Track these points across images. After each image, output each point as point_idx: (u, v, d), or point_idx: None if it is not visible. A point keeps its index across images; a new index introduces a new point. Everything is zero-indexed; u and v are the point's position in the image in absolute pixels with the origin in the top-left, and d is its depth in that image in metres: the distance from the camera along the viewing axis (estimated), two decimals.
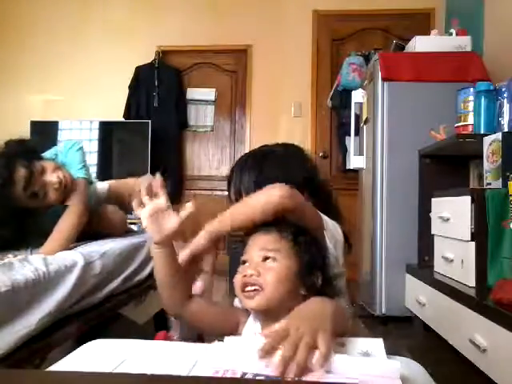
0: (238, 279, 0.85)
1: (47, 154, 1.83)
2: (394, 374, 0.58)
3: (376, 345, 0.65)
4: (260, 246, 0.86)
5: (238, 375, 0.56)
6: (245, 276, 0.83)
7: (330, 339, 0.63)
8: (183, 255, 0.92)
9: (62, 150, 1.81)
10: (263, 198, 0.90)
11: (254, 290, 0.82)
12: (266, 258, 0.84)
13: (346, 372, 0.59)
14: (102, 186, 2.10)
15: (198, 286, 0.94)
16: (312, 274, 0.86)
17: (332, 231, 1.02)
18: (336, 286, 0.91)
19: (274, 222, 0.89)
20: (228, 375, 0.56)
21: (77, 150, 1.79)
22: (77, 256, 1.44)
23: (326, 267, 0.89)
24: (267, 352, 0.59)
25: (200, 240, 0.93)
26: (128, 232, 2.14)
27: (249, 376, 0.56)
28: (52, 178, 1.60)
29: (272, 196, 0.89)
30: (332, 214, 1.09)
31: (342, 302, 0.96)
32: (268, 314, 0.83)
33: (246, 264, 0.86)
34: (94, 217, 1.78)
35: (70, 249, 1.53)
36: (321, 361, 0.59)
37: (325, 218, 1.03)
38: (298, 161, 1.17)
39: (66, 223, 1.59)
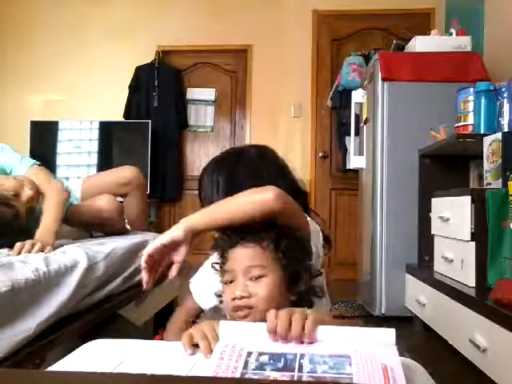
0: (227, 301, 0.83)
1: None
2: (390, 340, 0.60)
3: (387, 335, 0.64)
4: (244, 264, 0.83)
5: (244, 353, 0.59)
6: (234, 299, 0.82)
7: (317, 316, 0.67)
8: (156, 242, 0.88)
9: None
10: (255, 199, 0.87)
11: (244, 314, 0.81)
12: (251, 277, 0.82)
13: (341, 341, 0.62)
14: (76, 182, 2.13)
15: (173, 271, 0.91)
16: (299, 280, 0.85)
17: (314, 231, 1.02)
18: (321, 286, 0.91)
19: (251, 229, 0.85)
20: (235, 353, 0.59)
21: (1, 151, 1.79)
22: (80, 255, 1.43)
23: (310, 267, 0.88)
24: (271, 330, 0.64)
25: (176, 230, 0.88)
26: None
27: (254, 354, 0.59)
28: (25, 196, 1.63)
29: (265, 198, 0.86)
30: (308, 213, 1.08)
31: (323, 301, 0.96)
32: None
33: (232, 283, 0.84)
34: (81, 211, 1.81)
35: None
36: (310, 326, 0.63)
37: (307, 217, 1.03)
38: (271, 161, 1.14)
39: (50, 204, 1.60)
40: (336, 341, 0.63)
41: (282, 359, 0.59)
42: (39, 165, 1.84)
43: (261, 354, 0.60)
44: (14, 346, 1.11)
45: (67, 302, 1.30)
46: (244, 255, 0.83)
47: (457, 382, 1.74)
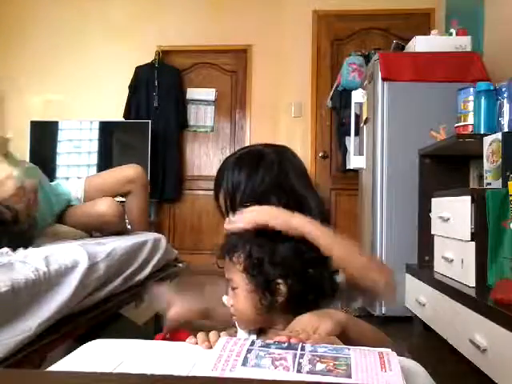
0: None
1: None
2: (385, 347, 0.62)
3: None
4: (226, 274, 0.89)
5: (248, 343, 0.61)
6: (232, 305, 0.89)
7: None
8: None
9: None
10: (372, 268, 0.90)
11: (233, 319, 0.88)
12: (231, 287, 0.88)
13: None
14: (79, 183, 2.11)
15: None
16: (270, 286, 0.83)
17: None
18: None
19: (223, 248, 0.89)
20: (239, 343, 0.61)
21: None
22: (80, 255, 1.43)
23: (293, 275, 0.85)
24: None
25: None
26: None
27: (258, 343, 0.61)
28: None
29: (381, 276, 0.89)
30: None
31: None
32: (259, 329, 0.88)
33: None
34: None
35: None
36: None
37: None
38: (292, 163, 1.13)
39: None
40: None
41: (285, 343, 0.63)
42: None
43: (265, 341, 0.64)
44: (14, 346, 1.10)
45: (67, 302, 1.30)
46: (225, 266, 0.89)
47: (457, 382, 1.74)
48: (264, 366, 0.55)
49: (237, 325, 0.89)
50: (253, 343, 0.61)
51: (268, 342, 0.63)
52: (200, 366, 0.60)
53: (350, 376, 0.53)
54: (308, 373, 0.53)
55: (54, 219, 1.98)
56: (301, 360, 0.56)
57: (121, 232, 2.06)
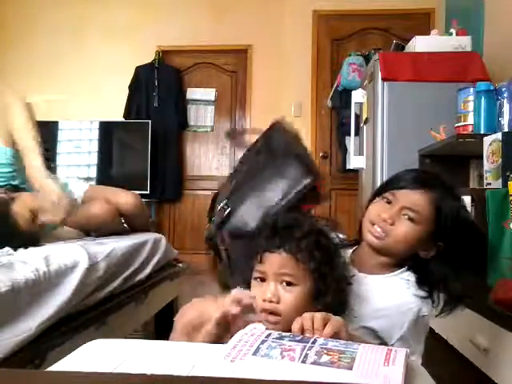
0: (256, 300, 0.84)
1: None
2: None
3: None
4: (277, 269, 0.84)
5: (264, 335, 0.63)
6: (264, 300, 0.83)
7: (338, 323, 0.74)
8: None
9: None
10: None
11: (275, 320, 0.82)
12: (283, 281, 0.83)
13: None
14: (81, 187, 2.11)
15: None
16: (327, 291, 0.85)
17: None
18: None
19: (291, 235, 0.86)
20: (255, 335, 0.63)
21: None
22: (80, 255, 1.43)
23: (341, 278, 0.89)
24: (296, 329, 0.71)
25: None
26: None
27: (274, 335, 0.63)
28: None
29: None
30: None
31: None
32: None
33: (263, 283, 0.85)
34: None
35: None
36: (329, 331, 0.69)
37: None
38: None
39: None
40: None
41: (301, 336, 0.65)
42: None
43: (281, 333, 0.66)
44: (15, 346, 1.10)
45: (67, 302, 1.30)
46: (278, 261, 0.84)
47: (457, 382, 1.74)
48: (272, 356, 0.57)
49: (264, 322, 0.82)
50: (268, 335, 0.63)
51: (284, 334, 0.64)
52: (214, 354, 0.61)
53: (351, 368, 0.54)
54: (312, 364, 0.55)
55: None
56: (308, 352, 0.57)
57: (118, 232, 2.06)
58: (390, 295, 0.96)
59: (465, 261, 0.97)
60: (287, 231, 0.87)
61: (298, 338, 0.63)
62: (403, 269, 0.98)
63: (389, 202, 0.96)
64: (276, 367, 0.55)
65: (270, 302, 0.82)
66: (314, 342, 0.60)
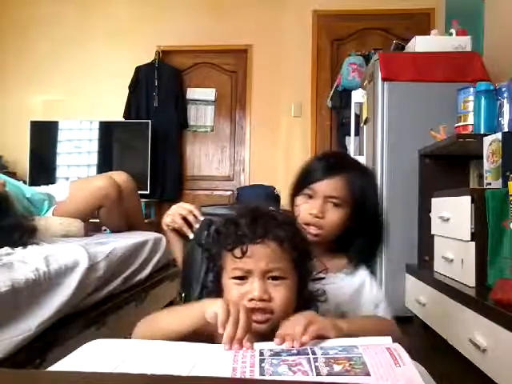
0: (238, 301, 0.75)
1: None
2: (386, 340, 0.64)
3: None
4: (264, 264, 0.76)
5: (257, 353, 0.60)
6: (252, 299, 0.75)
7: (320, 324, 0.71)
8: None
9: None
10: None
11: (265, 318, 0.75)
12: (269, 276, 0.77)
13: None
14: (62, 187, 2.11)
15: None
16: (307, 283, 0.83)
17: None
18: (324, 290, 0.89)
19: (270, 225, 0.79)
20: (248, 355, 0.60)
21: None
22: (80, 255, 1.43)
23: (313, 268, 0.87)
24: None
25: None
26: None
27: (266, 352, 0.60)
28: None
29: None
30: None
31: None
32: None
33: (246, 280, 0.77)
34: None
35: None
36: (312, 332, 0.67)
37: None
38: None
39: None
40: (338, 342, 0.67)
41: (295, 350, 0.62)
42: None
43: (272, 349, 0.63)
44: (15, 346, 1.11)
45: (68, 302, 1.30)
46: (266, 254, 0.77)
47: (457, 382, 1.74)
48: (282, 373, 0.54)
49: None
50: (261, 354, 0.60)
51: (276, 350, 0.62)
52: (218, 357, 0.61)
53: (368, 374, 0.53)
54: (328, 375, 0.53)
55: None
56: (316, 364, 0.55)
57: (119, 220, 2.08)
58: (350, 292, 1.00)
59: (370, 233, 1.09)
60: (266, 220, 0.80)
61: (294, 352, 0.60)
62: (359, 268, 1.05)
63: (311, 197, 1.02)
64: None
65: (261, 300, 0.75)
66: (314, 353, 0.59)
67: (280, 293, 0.77)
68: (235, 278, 0.78)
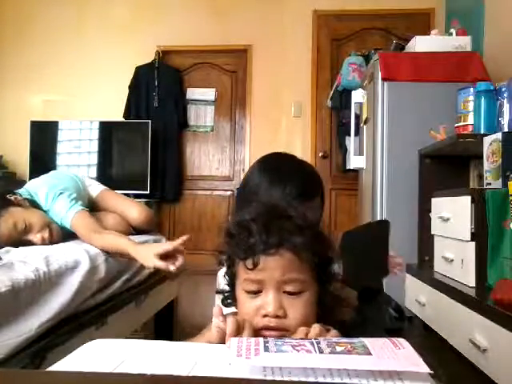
0: (247, 313, 0.69)
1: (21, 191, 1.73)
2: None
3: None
4: (279, 275, 0.68)
5: (262, 342, 0.59)
6: (265, 316, 0.68)
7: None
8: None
9: (44, 202, 1.68)
10: None
11: (280, 335, 0.67)
12: (285, 290, 0.69)
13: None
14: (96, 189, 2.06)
15: None
16: (326, 295, 0.74)
17: None
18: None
19: (284, 230, 0.70)
20: (252, 340, 0.59)
21: (59, 195, 1.68)
22: (81, 256, 1.43)
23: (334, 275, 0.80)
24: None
25: None
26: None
27: (271, 343, 0.58)
28: (35, 238, 1.57)
29: None
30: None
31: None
32: None
33: (259, 295, 0.70)
34: None
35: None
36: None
37: None
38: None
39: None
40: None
41: (299, 338, 0.62)
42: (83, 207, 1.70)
43: (275, 340, 0.63)
44: (15, 347, 1.11)
45: (68, 303, 1.30)
46: (281, 266, 0.68)
47: (457, 382, 1.74)
48: (286, 351, 0.55)
49: None
50: (265, 338, 0.61)
51: (280, 341, 0.62)
52: (218, 357, 0.60)
53: (370, 354, 0.54)
54: (330, 353, 0.54)
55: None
56: (319, 345, 0.57)
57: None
58: None
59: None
60: (281, 225, 0.70)
61: (298, 339, 0.62)
62: None
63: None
64: (298, 357, 0.54)
65: (275, 317, 0.68)
66: (316, 339, 0.60)
67: (297, 309, 0.69)
68: (248, 291, 0.71)
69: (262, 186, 0.99)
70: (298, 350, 0.55)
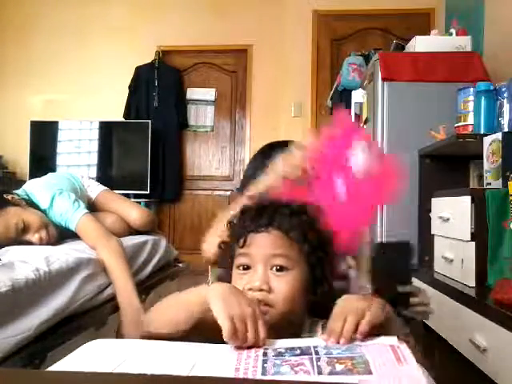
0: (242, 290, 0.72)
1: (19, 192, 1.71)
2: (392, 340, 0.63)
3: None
4: (267, 251, 0.73)
5: (260, 353, 0.59)
6: (250, 289, 0.72)
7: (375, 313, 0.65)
8: None
9: (46, 204, 1.65)
10: None
11: (264, 310, 0.70)
12: (273, 266, 0.73)
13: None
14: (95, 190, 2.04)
15: None
16: (324, 280, 0.76)
17: None
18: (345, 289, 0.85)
19: (275, 215, 0.75)
20: (252, 356, 0.60)
21: (58, 195, 1.66)
22: (82, 256, 1.43)
23: (336, 267, 0.82)
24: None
25: None
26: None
27: (270, 352, 0.60)
28: (33, 238, 1.55)
29: None
30: None
31: None
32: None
33: (249, 270, 0.75)
34: None
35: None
36: (365, 328, 0.62)
37: None
38: None
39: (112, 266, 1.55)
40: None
41: (298, 349, 0.62)
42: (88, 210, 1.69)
43: (275, 348, 0.63)
44: (15, 346, 1.10)
45: (68, 303, 1.30)
46: (268, 242, 0.73)
47: (457, 382, 1.74)
48: (284, 373, 0.54)
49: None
50: (265, 354, 0.60)
51: (280, 350, 0.61)
52: (218, 357, 0.60)
53: (370, 372, 0.53)
54: (329, 374, 0.54)
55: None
56: (319, 363, 0.56)
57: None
58: None
59: None
60: (275, 209, 0.76)
61: (297, 352, 0.60)
62: None
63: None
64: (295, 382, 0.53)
65: (260, 290, 0.71)
66: (317, 353, 0.59)
67: (282, 284, 0.72)
68: (239, 267, 0.76)
69: (250, 167, 1.15)
70: (297, 372, 0.54)
